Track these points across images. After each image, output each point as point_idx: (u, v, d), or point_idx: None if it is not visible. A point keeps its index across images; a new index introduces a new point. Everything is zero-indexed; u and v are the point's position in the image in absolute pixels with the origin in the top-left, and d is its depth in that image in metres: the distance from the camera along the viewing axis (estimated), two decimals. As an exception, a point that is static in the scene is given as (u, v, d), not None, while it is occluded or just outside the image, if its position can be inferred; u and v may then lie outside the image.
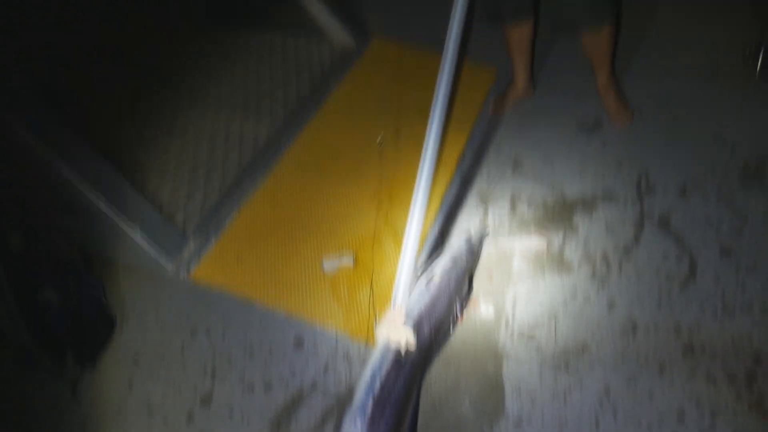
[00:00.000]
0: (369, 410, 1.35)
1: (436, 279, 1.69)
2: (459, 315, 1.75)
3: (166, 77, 2.69)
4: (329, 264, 1.93)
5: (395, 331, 1.49)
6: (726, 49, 2.76)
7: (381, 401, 1.38)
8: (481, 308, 1.86)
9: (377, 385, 1.39)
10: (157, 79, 2.68)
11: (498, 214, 2.12)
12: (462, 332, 1.80)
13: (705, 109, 2.45)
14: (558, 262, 1.97)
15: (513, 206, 2.14)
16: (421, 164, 1.83)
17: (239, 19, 3.46)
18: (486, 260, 1.96)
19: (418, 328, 1.52)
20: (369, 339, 1.81)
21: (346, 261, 1.93)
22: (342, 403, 1.70)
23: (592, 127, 2.42)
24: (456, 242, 1.90)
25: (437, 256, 1.83)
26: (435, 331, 1.60)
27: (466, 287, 1.80)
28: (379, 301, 1.83)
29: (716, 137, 2.31)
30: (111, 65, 2.75)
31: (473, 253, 1.89)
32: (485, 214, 2.12)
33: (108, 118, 2.44)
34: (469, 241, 1.90)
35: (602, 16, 2.23)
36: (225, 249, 1.98)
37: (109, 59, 2.79)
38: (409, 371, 1.50)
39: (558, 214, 2.10)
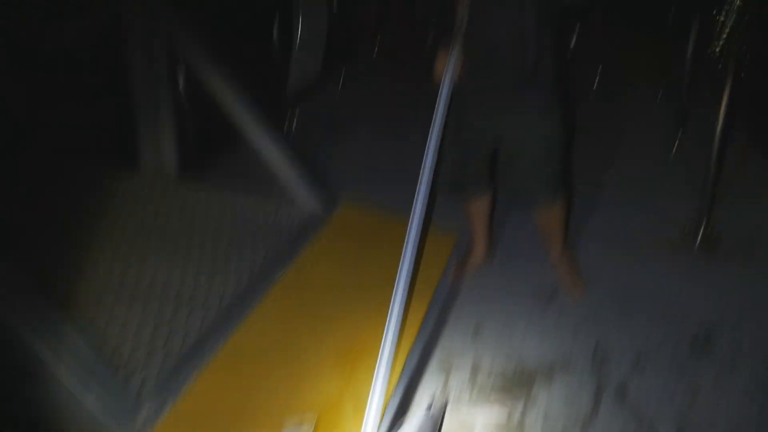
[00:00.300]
0: None
1: (398, 453, 1.67)
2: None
3: (136, 232, 2.74)
4: (287, 433, 1.88)
5: None
6: (671, 223, 2.98)
7: None
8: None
9: None
10: (126, 233, 2.73)
11: (459, 383, 2.13)
12: None
13: (654, 280, 2.59)
14: (519, 434, 1.96)
15: (474, 374, 2.16)
16: (385, 330, 1.87)
17: (212, 176, 3.62)
18: (447, 431, 1.94)
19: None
20: None
21: (306, 430, 1.89)
22: None
23: (549, 295, 2.52)
24: (418, 412, 1.90)
25: (399, 426, 1.82)
26: None
27: (427, 462, 1.77)
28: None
29: (666, 307, 2.43)
30: (76, 217, 2.81)
31: (435, 423, 1.88)
32: (446, 382, 2.13)
33: (71, 274, 2.45)
34: (430, 410, 1.90)
35: (555, 193, 2.41)
36: (181, 416, 1.92)
37: (75, 210, 2.86)
38: None
39: (518, 383, 2.12)
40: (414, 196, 2.08)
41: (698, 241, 2.85)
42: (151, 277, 2.46)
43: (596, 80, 5.05)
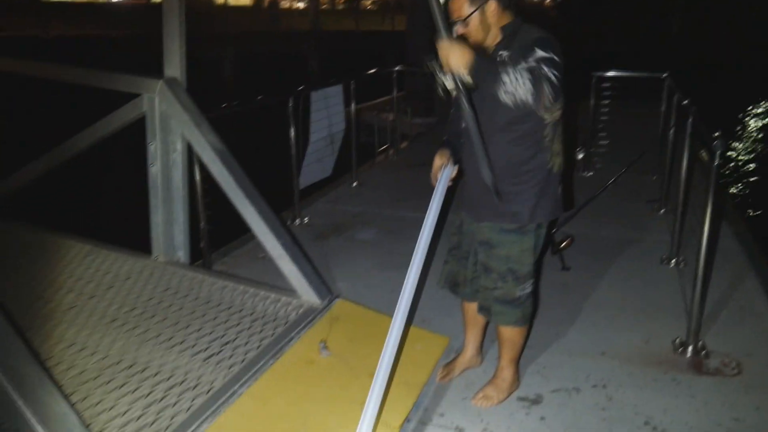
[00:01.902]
0: None
1: None
2: None
3: (140, 314, 2.87)
4: None
5: None
6: (660, 338, 3.02)
7: None
8: None
9: None
10: (131, 314, 2.86)
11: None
12: None
13: (637, 392, 2.61)
14: None
15: (451, 475, 2.17)
16: (359, 428, 1.91)
17: (220, 265, 3.78)
18: None
19: None
20: None
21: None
22: None
23: (532, 401, 2.56)
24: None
25: None
26: None
27: None
28: None
29: (647, 422, 2.44)
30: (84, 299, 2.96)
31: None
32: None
33: (67, 351, 2.57)
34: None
35: (507, 320, 2.44)
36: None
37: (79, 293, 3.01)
38: None
39: (494, 488, 2.13)
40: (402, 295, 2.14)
41: (688, 357, 2.89)
42: (148, 358, 2.56)
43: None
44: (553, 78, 2.00)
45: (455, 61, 2.00)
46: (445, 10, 2.06)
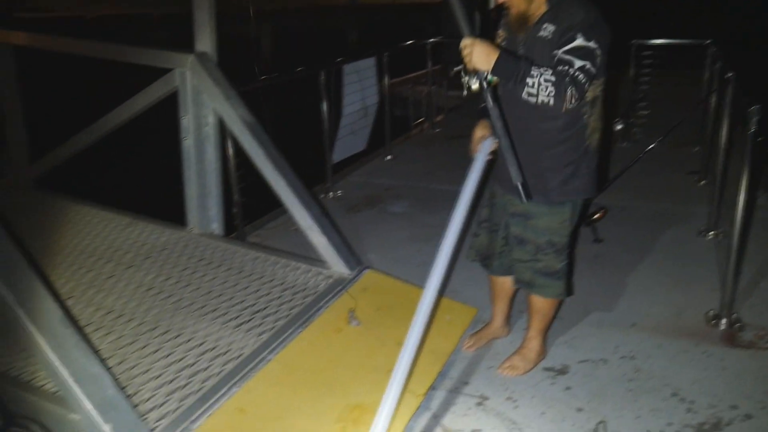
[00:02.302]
0: None
1: None
2: None
3: (175, 283, 2.96)
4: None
5: None
6: (692, 310, 2.97)
7: None
8: None
9: None
10: (166, 284, 2.96)
11: (457, 449, 2.17)
12: None
13: (666, 364, 2.59)
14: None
15: (473, 443, 2.20)
16: (384, 397, 1.94)
17: (252, 237, 3.85)
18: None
19: None
20: None
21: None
22: None
23: (559, 371, 2.56)
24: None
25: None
26: None
27: None
28: None
29: (674, 393, 2.42)
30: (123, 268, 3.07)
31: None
32: (445, 447, 2.18)
33: (106, 318, 2.68)
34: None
35: (550, 293, 2.44)
36: (190, 454, 2.05)
37: (120, 262, 3.12)
38: None
39: (516, 455, 2.16)
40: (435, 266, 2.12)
41: (721, 329, 2.84)
42: (182, 325, 2.64)
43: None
44: (580, 77, 1.98)
45: (478, 59, 1.98)
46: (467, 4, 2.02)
